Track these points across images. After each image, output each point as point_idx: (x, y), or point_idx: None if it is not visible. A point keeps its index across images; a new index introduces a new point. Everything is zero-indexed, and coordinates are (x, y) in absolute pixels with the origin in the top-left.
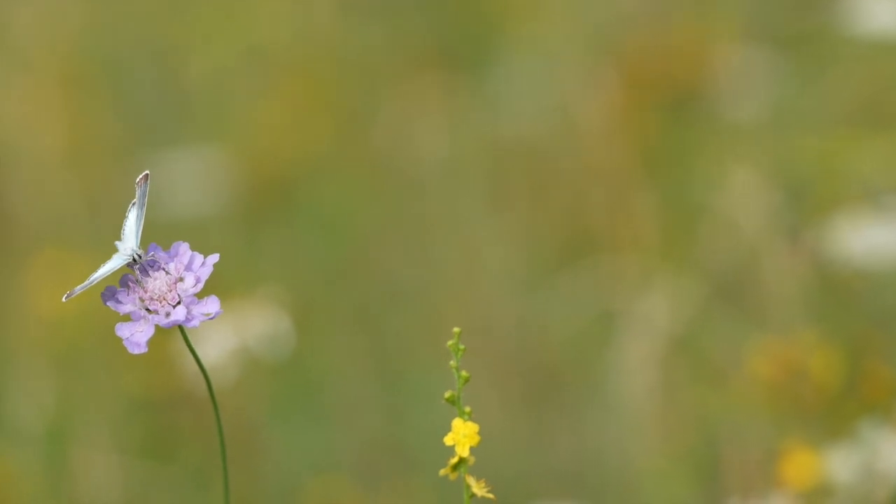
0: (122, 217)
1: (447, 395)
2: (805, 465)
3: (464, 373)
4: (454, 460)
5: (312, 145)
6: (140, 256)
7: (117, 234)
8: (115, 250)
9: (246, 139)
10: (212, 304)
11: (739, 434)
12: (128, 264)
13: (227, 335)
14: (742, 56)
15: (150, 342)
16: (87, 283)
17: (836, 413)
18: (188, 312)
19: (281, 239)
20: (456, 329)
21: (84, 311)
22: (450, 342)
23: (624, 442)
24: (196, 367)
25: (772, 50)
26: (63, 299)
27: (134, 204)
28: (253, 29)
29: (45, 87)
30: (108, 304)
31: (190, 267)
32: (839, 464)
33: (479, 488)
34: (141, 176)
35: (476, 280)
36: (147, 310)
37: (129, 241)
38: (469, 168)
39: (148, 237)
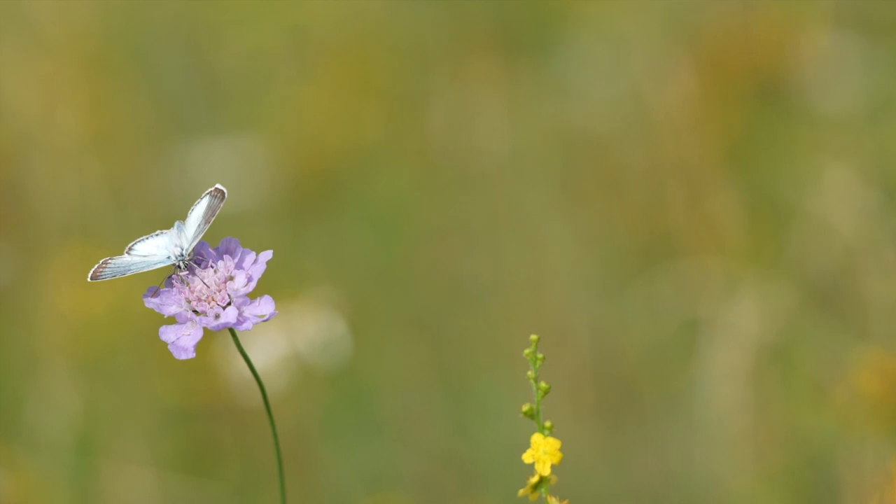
0: (151, 209)
1: (525, 408)
2: None
3: (543, 384)
4: (534, 479)
5: (362, 134)
6: (185, 265)
7: (146, 227)
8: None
9: (288, 127)
10: (266, 305)
11: (841, 453)
12: (173, 264)
13: (276, 340)
14: (832, 42)
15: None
16: (118, 268)
17: None
18: (239, 314)
19: (329, 235)
20: (533, 336)
21: (114, 310)
22: (526, 350)
23: (711, 461)
24: (246, 374)
25: (864, 36)
26: (88, 279)
27: (208, 194)
28: (295, 7)
29: (68, 70)
30: (149, 304)
31: (241, 265)
32: None
33: None
34: (219, 188)
35: (545, 282)
36: (194, 311)
37: (183, 240)
38: (535, 160)
39: None
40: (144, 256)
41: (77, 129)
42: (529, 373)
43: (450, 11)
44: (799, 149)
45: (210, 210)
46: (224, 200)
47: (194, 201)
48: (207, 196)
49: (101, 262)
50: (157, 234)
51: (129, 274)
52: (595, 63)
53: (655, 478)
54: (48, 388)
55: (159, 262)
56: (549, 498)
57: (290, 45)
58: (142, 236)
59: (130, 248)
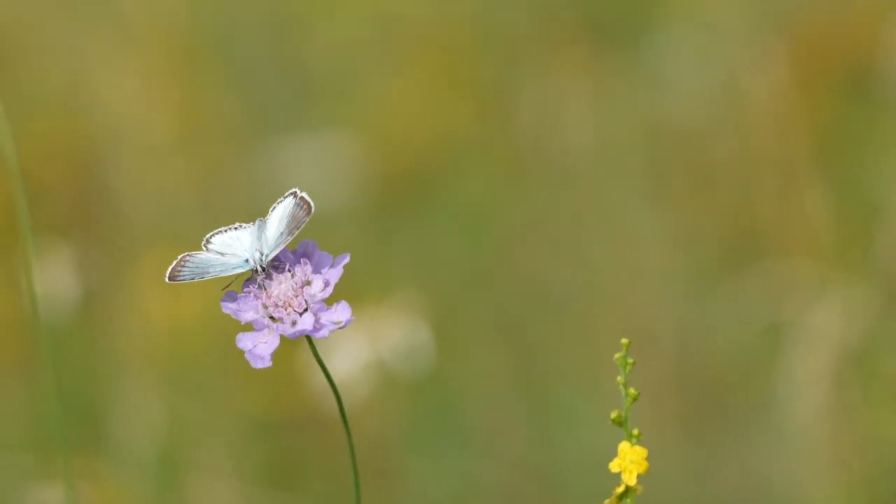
0: (239, 209)
1: (613, 414)
2: None
3: (632, 390)
4: (620, 489)
5: (450, 130)
6: (263, 269)
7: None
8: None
9: (376, 123)
10: (342, 311)
11: None
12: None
13: (359, 346)
14: None
15: (275, 355)
16: (196, 270)
17: None
18: (316, 321)
19: (416, 236)
20: (624, 340)
21: (200, 318)
22: (617, 355)
23: (794, 469)
24: (325, 383)
25: None
26: (166, 279)
27: (292, 195)
28: None
29: (154, 64)
30: (226, 310)
31: (318, 269)
32: None
33: None
34: (303, 197)
35: (631, 284)
36: (271, 318)
37: (265, 244)
38: (624, 155)
39: None
40: (222, 254)
41: (165, 126)
42: (619, 378)
43: (541, 1)
44: (893, 144)
45: (294, 221)
46: (311, 214)
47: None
48: (291, 197)
49: (179, 258)
50: (235, 227)
51: (207, 277)
52: (685, 53)
53: (737, 485)
54: (133, 398)
55: (238, 267)
56: None
57: (378, 37)
58: (220, 227)
59: (208, 240)
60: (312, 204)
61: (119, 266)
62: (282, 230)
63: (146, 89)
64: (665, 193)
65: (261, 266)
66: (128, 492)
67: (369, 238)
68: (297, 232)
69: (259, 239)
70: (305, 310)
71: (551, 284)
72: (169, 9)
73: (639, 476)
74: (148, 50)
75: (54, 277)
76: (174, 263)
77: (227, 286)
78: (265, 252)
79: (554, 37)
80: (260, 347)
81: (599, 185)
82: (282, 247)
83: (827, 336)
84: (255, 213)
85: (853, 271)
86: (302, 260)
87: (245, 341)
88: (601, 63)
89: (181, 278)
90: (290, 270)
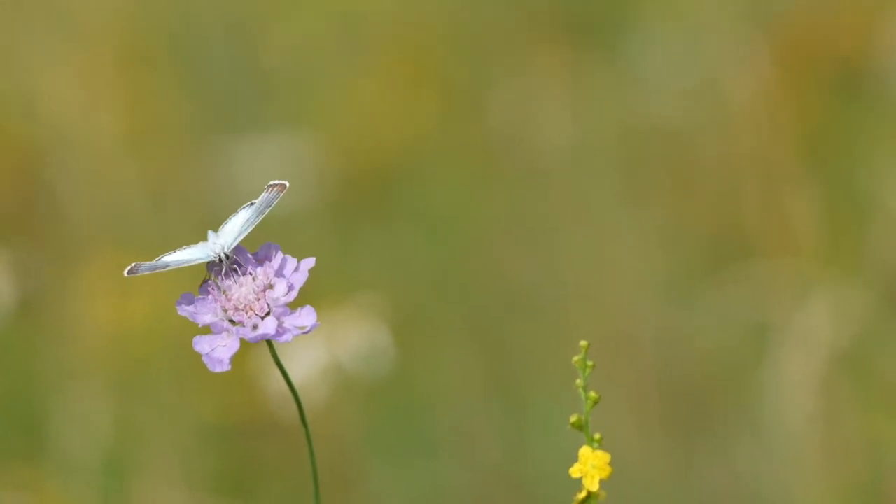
0: (192, 212)
1: (573, 419)
2: None
3: (592, 393)
4: (581, 495)
5: (417, 129)
6: (227, 257)
7: (186, 231)
8: (196, 240)
9: (338, 123)
10: (307, 316)
11: None
12: (209, 263)
13: (316, 350)
14: None
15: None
16: (157, 263)
17: None
18: (279, 325)
19: (380, 238)
20: (583, 342)
21: (149, 321)
22: (576, 358)
23: (782, 474)
24: (284, 388)
25: None
26: (125, 273)
27: (251, 204)
28: None
29: (102, 61)
30: (182, 312)
31: (281, 272)
32: None
33: None
34: (278, 183)
35: (610, 286)
36: (231, 321)
37: (223, 238)
38: (600, 156)
39: None
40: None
41: (113, 126)
42: (578, 381)
43: None
44: (880, 142)
45: (265, 202)
46: (285, 190)
47: (238, 205)
48: (245, 208)
49: (132, 264)
50: (183, 248)
51: (168, 269)
52: (666, 51)
53: (723, 492)
54: (78, 405)
55: (199, 259)
56: None
57: (341, 34)
58: (169, 251)
59: (160, 259)
60: (286, 183)
61: (64, 270)
62: (248, 217)
63: (93, 89)
64: (645, 194)
65: (224, 254)
66: (72, 501)
67: (332, 240)
68: (268, 211)
69: (217, 239)
70: (268, 313)
71: (526, 287)
72: (117, 7)
73: (602, 482)
74: (95, 48)
75: None
76: (128, 268)
77: (203, 281)
78: (226, 242)
79: (529, 34)
80: (218, 351)
81: (577, 186)
82: (250, 230)
83: (815, 337)
84: (208, 213)
85: (843, 271)
86: (265, 263)
87: (202, 344)
88: (579, 61)
89: (140, 272)
90: (251, 273)
